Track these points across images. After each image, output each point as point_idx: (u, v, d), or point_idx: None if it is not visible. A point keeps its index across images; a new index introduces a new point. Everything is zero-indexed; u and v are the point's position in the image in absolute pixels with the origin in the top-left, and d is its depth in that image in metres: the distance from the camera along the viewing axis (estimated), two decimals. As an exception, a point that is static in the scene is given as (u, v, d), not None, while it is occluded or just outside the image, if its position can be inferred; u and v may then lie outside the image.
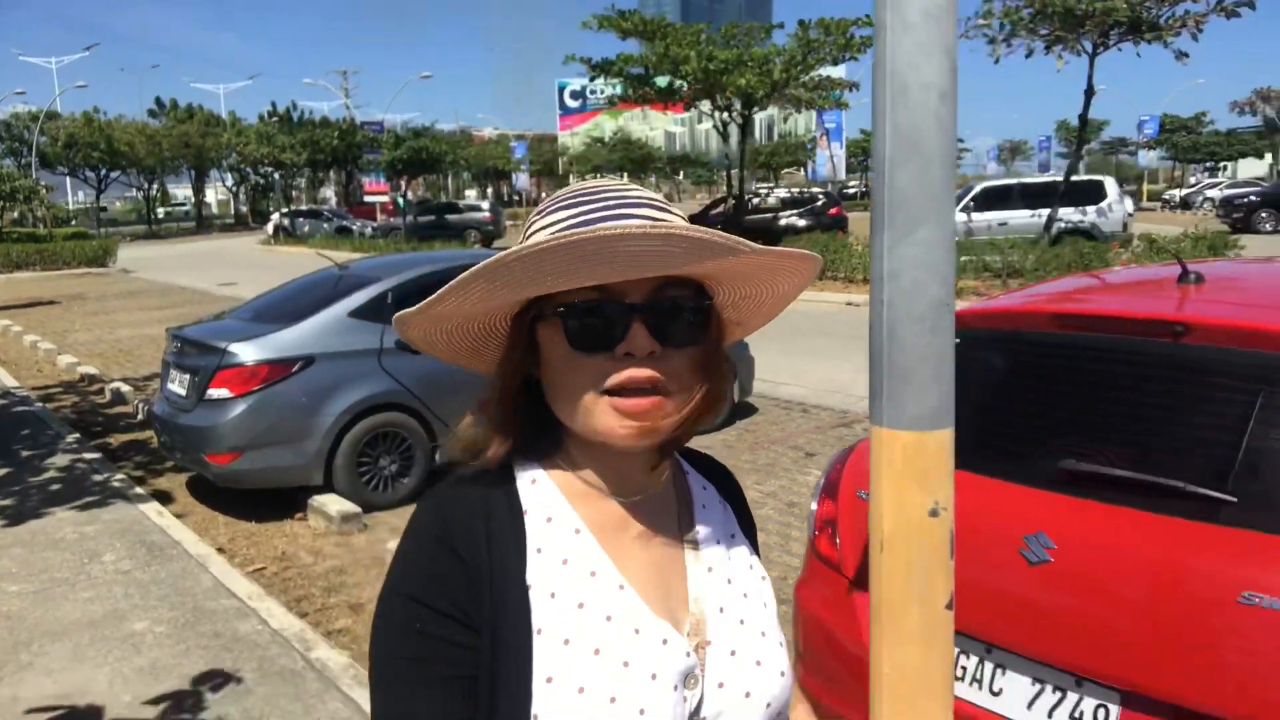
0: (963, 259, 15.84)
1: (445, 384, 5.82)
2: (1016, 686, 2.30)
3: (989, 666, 2.36)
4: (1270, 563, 1.98)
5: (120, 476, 6.42)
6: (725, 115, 20.35)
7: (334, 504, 5.71)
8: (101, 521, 5.47)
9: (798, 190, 30.80)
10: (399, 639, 0.88)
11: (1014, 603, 2.31)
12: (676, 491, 1.04)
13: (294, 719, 3.29)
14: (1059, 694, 2.22)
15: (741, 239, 0.84)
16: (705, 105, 20.42)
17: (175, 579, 4.59)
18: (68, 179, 56.52)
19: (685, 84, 19.02)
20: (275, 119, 52.39)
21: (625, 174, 71.07)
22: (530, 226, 0.92)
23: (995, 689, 2.34)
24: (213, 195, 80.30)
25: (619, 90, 19.98)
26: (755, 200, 26.89)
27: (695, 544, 1.01)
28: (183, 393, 5.93)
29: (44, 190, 32.16)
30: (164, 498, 6.23)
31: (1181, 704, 2.00)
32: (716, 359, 0.94)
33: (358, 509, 5.69)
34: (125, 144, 48.07)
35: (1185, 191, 49.21)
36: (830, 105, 30.94)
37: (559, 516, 0.93)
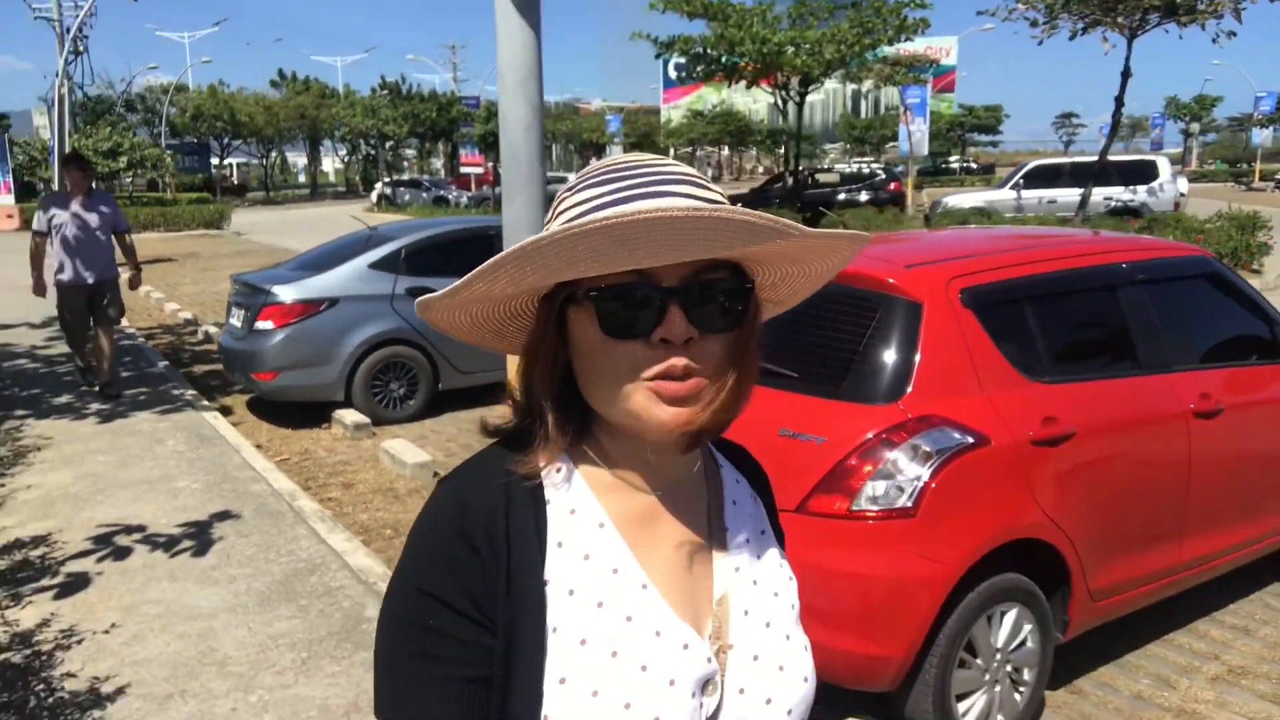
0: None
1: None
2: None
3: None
4: (801, 412, 3.13)
5: (192, 393, 8.05)
6: (784, 93, 21.14)
7: (351, 416, 7.16)
8: (170, 421, 7.08)
9: (859, 166, 31.23)
10: (407, 633, 0.85)
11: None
12: (708, 485, 0.99)
13: (270, 536, 4.72)
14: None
15: (791, 222, 0.81)
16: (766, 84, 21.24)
17: (215, 458, 6.12)
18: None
19: (743, 62, 19.86)
20: (385, 92, 55.00)
21: (725, 147, 71.59)
22: (561, 203, 0.87)
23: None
24: (329, 164, 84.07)
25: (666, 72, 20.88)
26: (818, 175, 27.54)
27: (724, 542, 0.96)
28: (239, 325, 7.47)
29: (169, 159, 35.06)
30: (226, 410, 7.79)
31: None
32: (753, 344, 0.90)
33: (368, 421, 7.13)
34: (246, 115, 51.46)
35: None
36: (910, 81, 31.40)
37: (583, 509, 0.89)
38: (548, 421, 0.89)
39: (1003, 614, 3.15)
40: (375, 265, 7.46)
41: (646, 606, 0.87)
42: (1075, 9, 15.31)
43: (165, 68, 74.88)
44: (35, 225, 7.72)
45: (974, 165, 66.94)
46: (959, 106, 66.47)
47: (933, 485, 2.94)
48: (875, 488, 2.97)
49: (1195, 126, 65.56)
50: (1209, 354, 3.97)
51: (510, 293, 0.87)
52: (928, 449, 2.98)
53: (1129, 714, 3.41)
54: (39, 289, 7.79)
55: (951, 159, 67.68)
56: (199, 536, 4.71)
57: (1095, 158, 18.93)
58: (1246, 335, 4.14)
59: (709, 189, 0.86)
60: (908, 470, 2.97)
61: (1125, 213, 18.48)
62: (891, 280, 3.27)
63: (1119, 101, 16.07)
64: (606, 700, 0.82)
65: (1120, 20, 15.34)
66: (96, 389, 7.86)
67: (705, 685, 0.87)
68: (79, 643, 3.64)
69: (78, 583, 4.21)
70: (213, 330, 11.07)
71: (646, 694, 0.83)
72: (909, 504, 2.94)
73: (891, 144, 60.44)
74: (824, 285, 1.00)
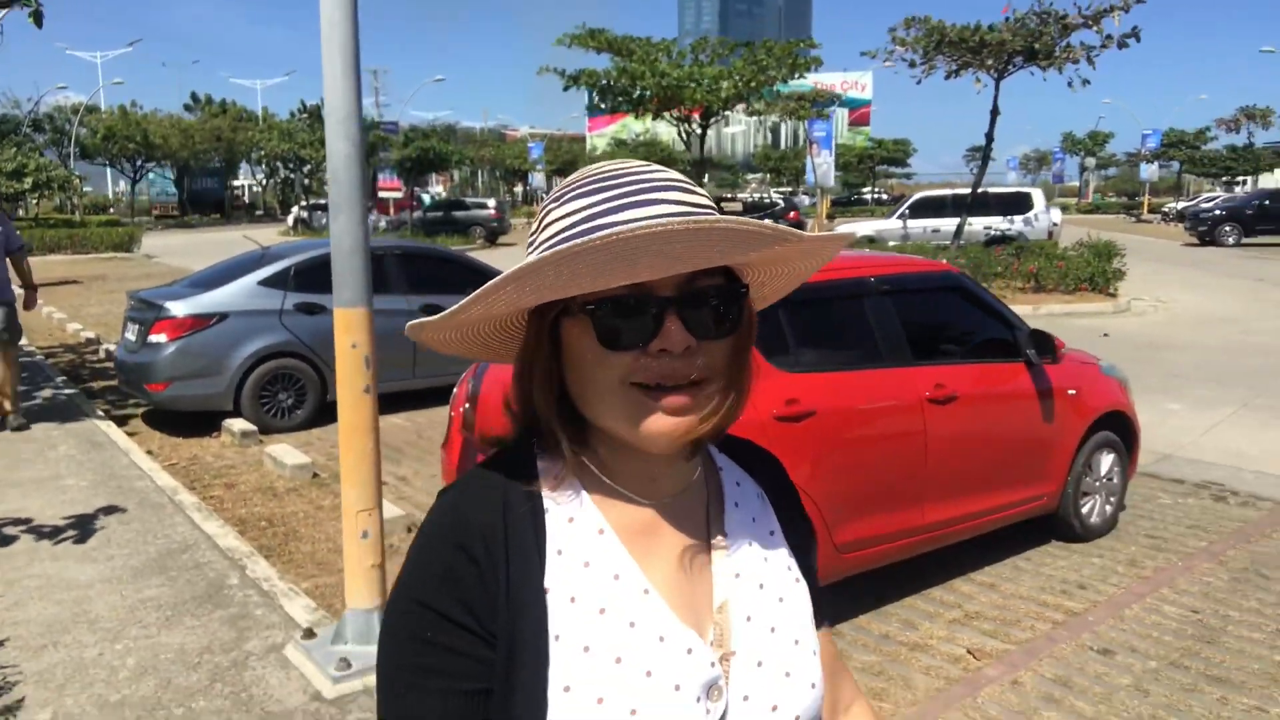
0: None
1: (330, 339, 7.71)
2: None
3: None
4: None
5: (89, 404, 8.39)
6: (686, 125, 22.08)
7: (239, 425, 7.61)
8: (64, 429, 7.44)
9: (760, 195, 32.51)
10: (408, 647, 0.85)
11: (499, 423, 4.14)
12: (708, 490, 0.99)
13: (149, 524, 5.20)
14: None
15: (788, 228, 0.82)
16: (669, 115, 22.16)
17: (104, 461, 6.54)
18: (107, 169, 59.44)
19: (648, 95, 20.74)
20: (305, 115, 54.84)
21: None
22: (546, 215, 0.87)
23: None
24: (247, 187, 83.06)
25: (591, 100, 21.68)
26: (722, 205, 28.61)
27: (725, 547, 0.95)
28: (133, 339, 7.88)
29: (78, 180, 34.57)
30: (121, 421, 8.15)
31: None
32: (748, 350, 0.90)
33: (255, 429, 7.59)
34: (160, 137, 50.83)
35: (1184, 204, 50.08)
36: (813, 115, 32.77)
37: (582, 517, 0.89)
38: (555, 436, 0.89)
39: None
40: (265, 282, 7.95)
41: (649, 612, 0.86)
42: (947, 52, 16.54)
43: (76, 87, 73.37)
44: None
45: (885, 196, 69.34)
46: (869, 140, 68.85)
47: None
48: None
49: (1091, 161, 69.10)
50: (949, 352, 4.76)
51: (507, 312, 0.87)
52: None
53: (874, 648, 4.12)
54: None
55: (864, 190, 70.04)
56: (82, 525, 5.17)
57: (981, 189, 20.25)
58: (988, 338, 4.95)
59: (696, 193, 0.86)
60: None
61: (1001, 240, 19.79)
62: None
63: (988, 138, 17.34)
64: (612, 707, 0.81)
65: (988, 63, 16.62)
66: (8, 429, 7.38)
67: (710, 690, 0.86)
68: (-36, 608, 4.10)
69: (-35, 563, 4.64)
70: (114, 348, 11.33)
71: (652, 700, 0.83)
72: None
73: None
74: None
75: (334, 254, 3.36)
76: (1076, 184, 75.16)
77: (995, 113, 17.00)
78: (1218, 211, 32.43)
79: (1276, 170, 59.00)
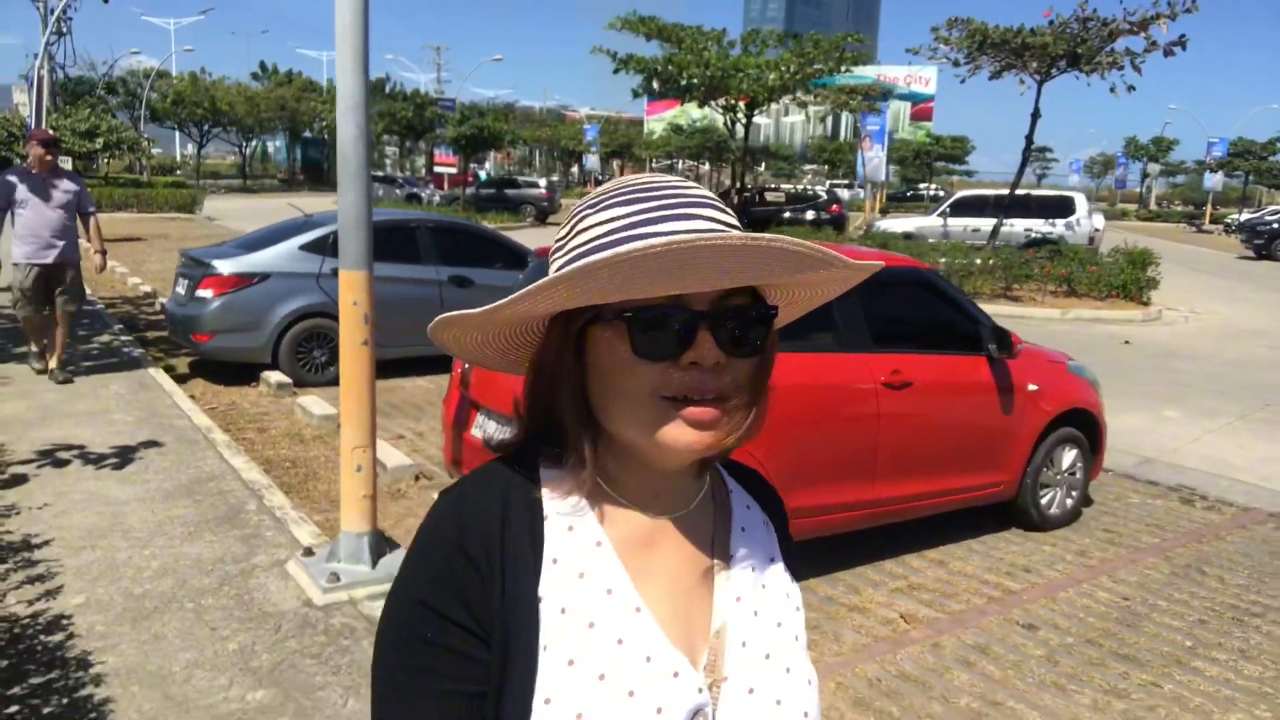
0: (921, 257, 17.67)
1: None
2: (489, 423, 4.60)
3: (482, 416, 4.67)
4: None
5: (140, 351, 9.07)
6: (732, 114, 22.36)
7: (275, 377, 8.20)
8: (117, 372, 8.10)
9: (804, 188, 32.64)
10: (405, 647, 0.85)
11: (495, 383, 4.61)
12: (716, 509, 0.99)
13: (183, 456, 5.78)
14: (499, 424, 4.52)
15: (837, 253, 0.82)
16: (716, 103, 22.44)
17: (150, 400, 7.16)
18: (175, 133, 61.19)
19: (695, 83, 21.05)
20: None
21: (705, 163, 73.06)
22: (580, 220, 0.88)
23: (482, 426, 4.64)
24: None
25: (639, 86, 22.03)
26: (766, 194, 28.83)
27: (727, 570, 0.95)
28: (183, 293, 8.51)
29: (146, 143, 35.84)
30: (169, 369, 8.80)
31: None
32: (768, 369, 0.91)
33: (290, 381, 8.18)
34: (226, 104, 52.27)
35: (1248, 216, 49.03)
36: (865, 109, 32.81)
37: (581, 527, 0.89)
38: (578, 444, 0.89)
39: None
40: (305, 247, 8.52)
41: (639, 630, 0.86)
42: (991, 53, 16.63)
43: (149, 52, 75.41)
44: None
45: (941, 193, 68.67)
46: (929, 136, 68.19)
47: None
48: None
49: (1154, 168, 67.73)
50: (910, 342, 5.12)
51: (546, 313, 0.87)
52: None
53: (816, 607, 4.53)
54: None
55: (921, 186, 69.44)
56: (124, 453, 5.77)
57: (1027, 190, 20.31)
58: (952, 332, 5.30)
59: (726, 211, 0.87)
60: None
61: (1040, 243, 19.81)
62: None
63: (1029, 139, 17.40)
64: None
65: (1031, 65, 16.68)
66: (45, 374, 7.68)
67: (695, 716, 0.86)
68: (17, 514, 4.70)
69: (20, 479, 5.26)
70: (167, 302, 12.06)
71: None
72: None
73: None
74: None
75: (340, 225, 3.85)
76: (1139, 190, 73.64)
77: (1036, 115, 17.06)
78: (1276, 225, 31.81)
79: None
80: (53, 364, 7.69)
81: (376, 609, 3.86)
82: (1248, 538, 5.82)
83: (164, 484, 5.28)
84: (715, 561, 0.95)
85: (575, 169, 77.38)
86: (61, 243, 7.53)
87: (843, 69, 20.88)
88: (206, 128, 55.34)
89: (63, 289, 7.60)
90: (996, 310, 15.32)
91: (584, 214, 0.88)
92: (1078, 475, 5.82)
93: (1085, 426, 5.82)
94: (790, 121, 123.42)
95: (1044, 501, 5.67)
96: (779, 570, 1.00)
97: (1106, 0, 19.16)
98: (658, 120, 79.78)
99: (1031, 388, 5.44)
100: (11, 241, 7.45)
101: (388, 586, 3.50)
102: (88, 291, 12.92)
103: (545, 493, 0.90)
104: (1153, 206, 70.63)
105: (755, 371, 0.88)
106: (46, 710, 3.04)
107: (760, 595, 0.96)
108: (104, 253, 8.12)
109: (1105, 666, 4.08)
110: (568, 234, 0.89)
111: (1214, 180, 52.40)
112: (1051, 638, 4.33)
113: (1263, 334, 14.39)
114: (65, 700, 3.10)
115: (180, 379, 8.44)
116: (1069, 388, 5.73)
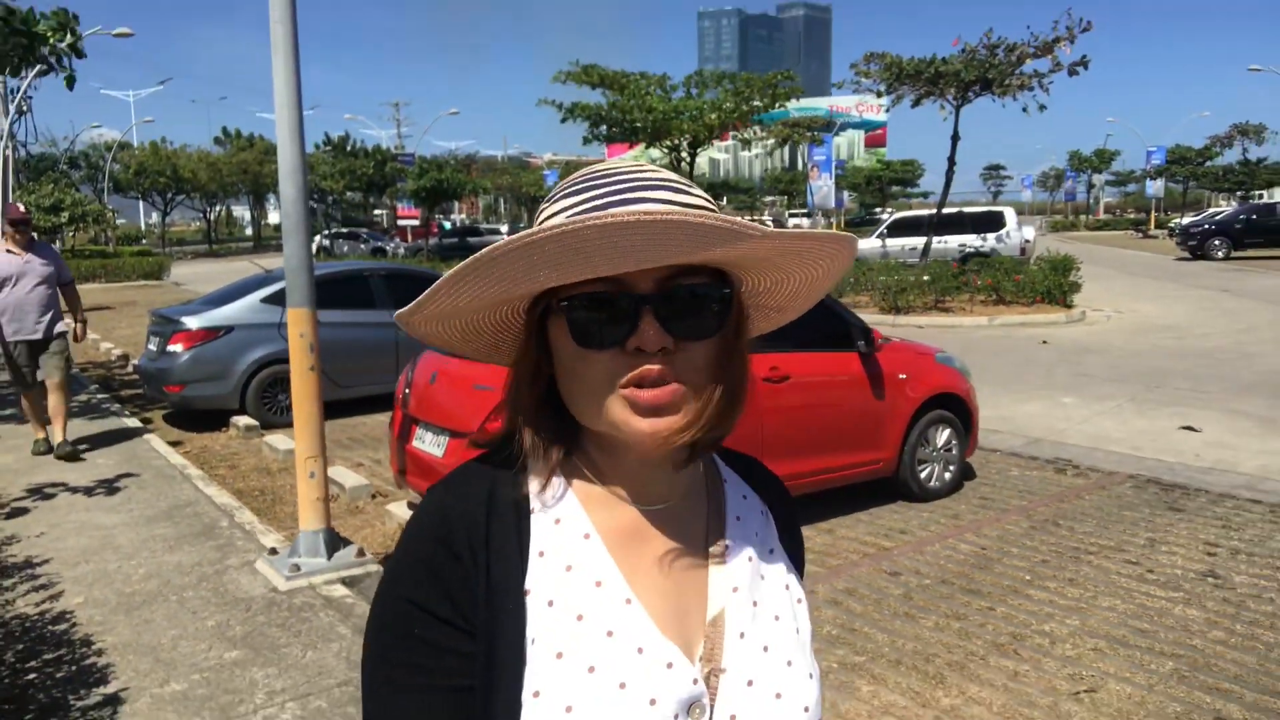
0: (862, 277, 18.63)
1: (330, 349, 8.93)
2: (427, 434, 5.37)
3: (421, 430, 5.43)
4: (484, 372, 5.02)
5: (116, 407, 9.75)
6: (676, 155, 23.42)
7: (243, 421, 8.92)
8: (96, 424, 8.80)
9: (761, 219, 33.84)
10: (393, 642, 0.85)
11: (429, 400, 5.38)
12: (710, 501, 0.97)
13: (162, 489, 6.49)
14: (434, 435, 5.29)
15: (753, 223, 0.78)
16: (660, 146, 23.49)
17: (129, 446, 7.86)
18: (139, 202, 61.81)
19: (639, 127, 22.08)
20: (330, 148, 56.94)
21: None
22: (540, 214, 0.87)
23: (421, 438, 5.41)
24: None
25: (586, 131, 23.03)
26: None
27: (723, 560, 0.94)
28: (155, 349, 9.23)
29: (111, 214, 36.51)
30: (146, 421, 9.49)
31: (456, 428, 5.06)
32: (739, 352, 0.88)
33: (257, 424, 8.89)
34: (189, 171, 53.05)
35: (1189, 220, 50.73)
36: (809, 140, 34.09)
37: (568, 520, 0.89)
38: (526, 434, 0.90)
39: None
40: (266, 300, 9.27)
41: (629, 622, 0.85)
42: (909, 83, 17.76)
43: (110, 124, 76.40)
44: None
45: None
46: (880, 162, 70.05)
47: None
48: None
49: (1099, 179, 69.89)
50: (787, 341, 5.93)
51: (477, 305, 0.86)
52: (552, 392, 4.89)
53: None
54: None
55: (876, 210, 71.18)
56: (109, 487, 6.49)
57: (946, 210, 21.41)
58: (825, 331, 6.12)
59: (689, 192, 0.84)
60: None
61: (974, 257, 20.88)
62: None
63: (950, 161, 18.50)
64: (580, 717, 0.80)
65: (948, 93, 17.82)
66: (54, 454, 7.49)
67: (691, 708, 0.84)
68: (18, 541, 5.40)
69: (19, 512, 5.96)
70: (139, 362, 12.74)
71: (624, 713, 0.81)
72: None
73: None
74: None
75: (286, 269, 4.63)
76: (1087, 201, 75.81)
77: (956, 138, 18.17)
78: (1207, 226, 33.21)
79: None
80: (58, 436, 7.53)
81: (333, 591, 4.60)
82: (1104, 496, 6.65)
83: (146, 511, 5.99)
84: (710, 552, 0.94)
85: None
86: (48, 316, 7.57)
87: (782, 104, 21.94)
88: (170, 195, 56.07)
89: (51, 360, 7.55)
90: (928, 321, 16.31)
91: (544, 206, 0.88)
92: (953, 451, 6.64)
93: (957, 409, 6.65)
94: (748, 155, 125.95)
95: (923, 475, 6.48)
96: (779, 562, 0.99)
97: (1014, 25, 20.40)
98: (619, 161, 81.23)
99: (901, 376, 6.27)
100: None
101: (343, 574, 4.29)
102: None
103: (532, 486, 0.90)
104: (1103, 215, 72.62)
105: (715, 355, 0.86)
106: (59, 675, 3.75)
107: (759, 586, 0.94)
108: (84, 321, 8.18)
109: (952, 599, 4.87)
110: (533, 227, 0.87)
111: (1155, 187, 54.21)
112: (911, 580, 5.12)
113: (1173, 328, 15.40)
114: (74, 668, 3.81)
115: (155, 429, 9.13)
116: (937, 375, 6.57)
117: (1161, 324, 15.89)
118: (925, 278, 16.84)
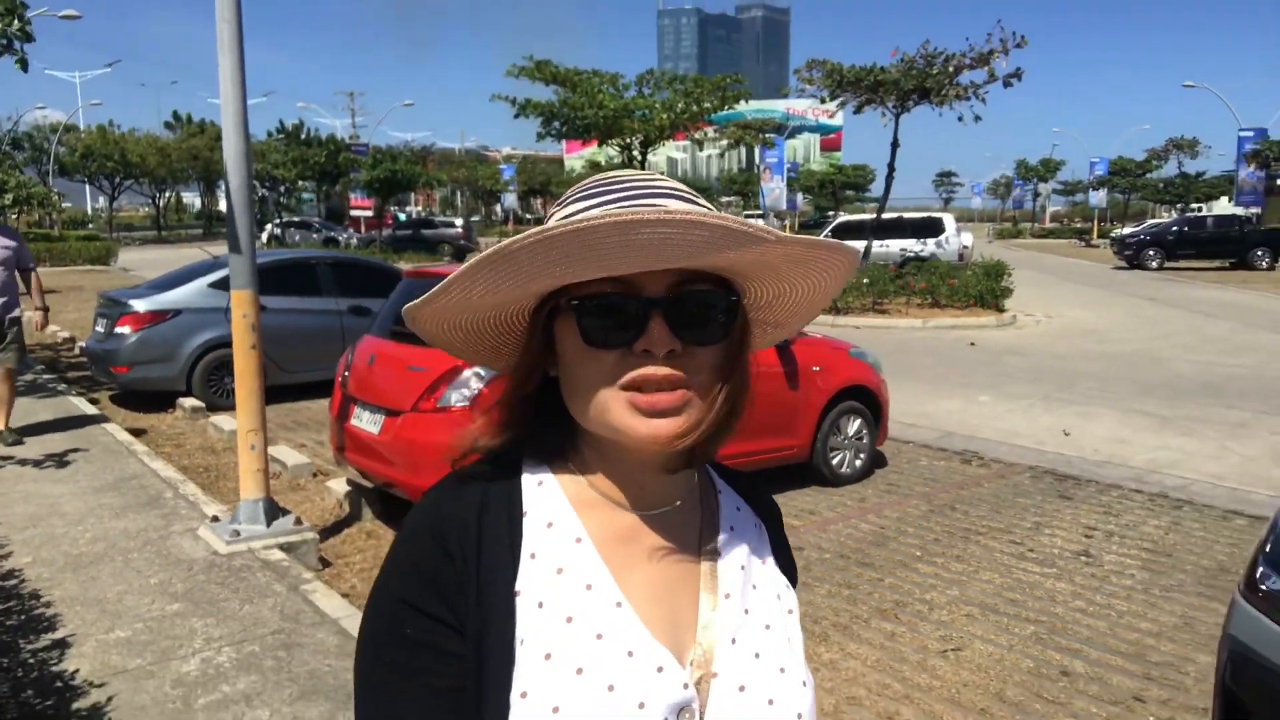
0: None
1: (276, 334, 9.23)
2: (364, 413, 5.70)
3: (359, 409, 5.76)
4: (420, 355, 5.37)
5: (64, 387, 9.91)
6: (628, 154, 23.80)
7: (190, 402, 9.14)
8: (44, 403, 8.96)
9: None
10: (386, 644, 0.86)
11: (367, 381, 5.72)
12: (704, 509, 0.99)
13: (109, 462, 6.74)
14: (371, 414, 5.62)
15: (767, 227, 0.80)
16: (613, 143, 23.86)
17: (76, 424, 8.06)
18: (85, 186, 60.71)
19: (589, 125, 22.42)
20: (283, 136, 56.43)
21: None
22: (549, 218, 0.87)
23: (359, 417, 5.74)
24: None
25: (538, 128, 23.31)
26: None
27: (715, 568, 0.95)
28: (102, 331, 9.41)
29: (56, 197, 35.93)
30: (92, 401, 9.65)
31: (391, 407, 5.41)
32: (741, 360, 0.91)
33: (203, 405, 9.12)
34: (137, 156, 52.25)
35: (1128, 230, 52.37)
36: (759, 143, 34.70)
37: (560, 522, 0.90)
38: (522, 437, 0.92)
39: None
40: (214, 285, 9.49)
41: (619, 625, 0.86)
42: (849, 89, 18.33)
43: (56, 105, 74.91)
44: None
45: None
46: (831, 166, 71.14)
47: (484, 393, 5.21)
48: (453, 394, 5.24)
49: (1045, 187, 71.75)
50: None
51: (493, 302, 0.87)
52: (482, 374, 5.26)
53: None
54: None
55: (830, 213, 72.25)
56: (57, 461, 6.72)
57: (887, 216, 22.07)
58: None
59: (697, 201, 0.86)
60: (471, 386, 5.25)
61: (913, 261, 21.55)
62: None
63: (890, 167, 19.11)
64: (567, 718, 0.81)
65: (888, 100, 18.43)
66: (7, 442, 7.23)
67: (681, 713, 0.85)
68: (-32, 508, 5.64)
69: (-34, 485, 6.18)
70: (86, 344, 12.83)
71: (611, 714, 0.82)
72: (467, 404, 5.20)
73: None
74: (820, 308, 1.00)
75: (229, 254, 4.94)
76: (1029, 210, 77.71)
77: (895, 145, 18.79)
78: (1143, 237, 34.44)
79: (1222, 199, 61.47)
80: (1, 424, 7.35)
81: (271, 555, 4.92)
82: (1002, 484, 7.18)
83: (93, 483, 6.24)
84: (702, 559, 0.95)
85: (498, 208, 78.46)
86: (3, 299, 7.35)
87: (732, 105, 22.43)
88: (118, 180, 55.17)
89: (3, 344, 7.39)
90: (865, 322, 16.89)
91: (553, 211, 0.89)
92: (864, 440, 7.12)
93: (868, 401, 7.13)
94: (705, 155, 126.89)
95: (834, 461, 6.95)
96: (771, 572, 1.00)
97: (953, 36, 21.07)
98: (577, 158, 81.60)
99: (815, 369, 6.73)
100: None
101: (280, 540, 4.64)
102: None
103: (525, 489, 0.91)
104: (1049, 224, 74.49)
105: (720, 361, 0.88)
106: (9, 623, 4.04)
107: (751, 595, 0.95)
108: (45, 309, 7.96)
109: (846, 570, 5.33)
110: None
111: (1098, 197, 55.80)
112: (812, 555, 5.56)
113: (1096, 333, 16.14)
114: (23, 618, 4.10)
115: (103, 409, 9.31)
116: (849, 369, 7.04)
117: (1086, 329, 16.63)
118: (864, 280, 17.43)
